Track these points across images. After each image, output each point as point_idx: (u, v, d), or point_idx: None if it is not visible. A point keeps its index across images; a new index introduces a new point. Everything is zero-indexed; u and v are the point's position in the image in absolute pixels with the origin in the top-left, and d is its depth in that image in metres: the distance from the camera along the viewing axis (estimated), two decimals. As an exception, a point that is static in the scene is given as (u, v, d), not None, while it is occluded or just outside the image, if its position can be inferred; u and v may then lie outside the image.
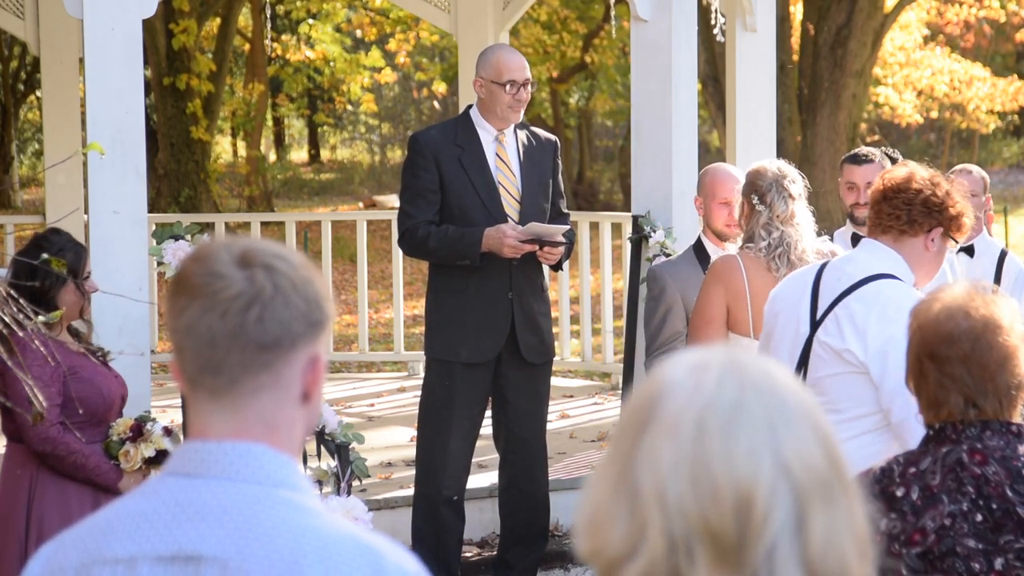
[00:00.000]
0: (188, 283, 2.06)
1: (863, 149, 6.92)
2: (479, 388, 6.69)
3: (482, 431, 6.90)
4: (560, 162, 6.99)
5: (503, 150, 6.75)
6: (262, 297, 2.04)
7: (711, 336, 5.63)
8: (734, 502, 1.63)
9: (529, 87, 6.72)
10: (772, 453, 1.65)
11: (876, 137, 32.14)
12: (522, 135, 6.84)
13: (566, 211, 6.98)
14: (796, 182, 5.73)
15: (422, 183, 6.67)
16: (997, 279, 7.33)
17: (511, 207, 6.68)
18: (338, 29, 27.85)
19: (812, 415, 1.70)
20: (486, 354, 6.64)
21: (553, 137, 7.05)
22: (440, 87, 29.85)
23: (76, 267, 5.46)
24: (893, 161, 7.25)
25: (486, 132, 6.75)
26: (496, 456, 7.00)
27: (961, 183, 7.23)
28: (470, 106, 6.86)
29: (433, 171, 6.66)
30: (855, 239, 6.80)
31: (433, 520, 6.71)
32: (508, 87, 6.64)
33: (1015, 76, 28.87)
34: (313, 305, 2.07)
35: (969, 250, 7.51)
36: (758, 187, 5.74)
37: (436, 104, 35.58)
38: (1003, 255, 7.48)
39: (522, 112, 6.77)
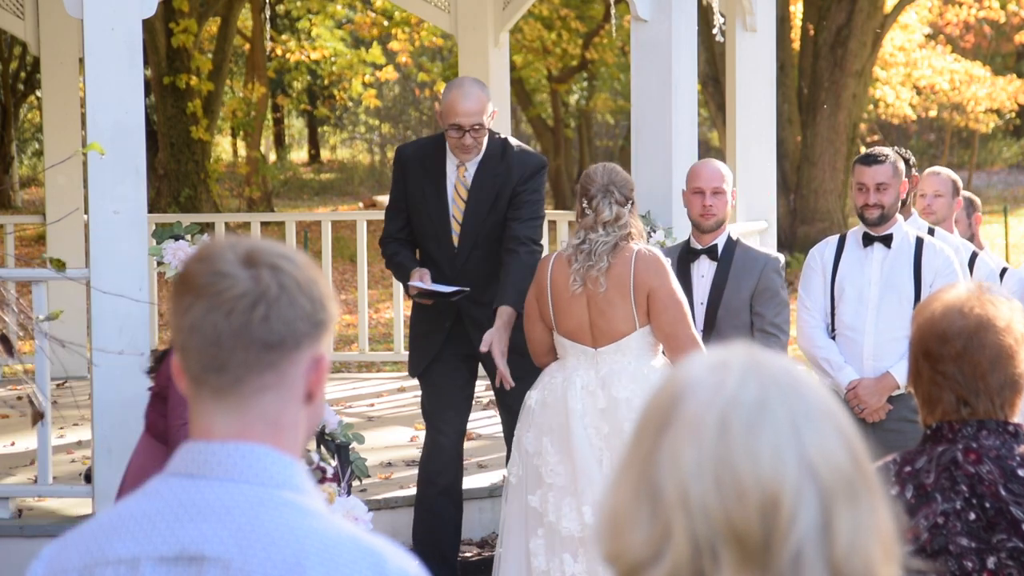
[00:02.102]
0: (193, 282, 2.05)
1: (875, 149, 6.89)
2: (455, 382, 6.80)
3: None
4: (542, 179, 6.82)
5: (460, 183, 6.74)
6: (267, 296, 2.03)
7: (531, 330, 6.12)
8: (759, 502, 1.61)
9: (480, 131, 6.58)
10: (797, 452, 1.63)
11: (876, 137, 32.13)
12: (495, 167, 6.70)
13: (531, 233, 6.68)
14: (623, 186, 5.99)
15: (395, 196, 6.88)
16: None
17: (455, 234, 6.74)
18: (339, 26, 27.85)
19: (834, 413, 1.68)
20: (429, 353, 6.80)
21: (538, 161, 6.83)
22: (442, 87, 29.84)
23: None
24: (906, 162, 7.25)
25: (451, 160, 6.75)
26: (496, 456, 7.02)
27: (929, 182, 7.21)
28: None
29: (402, 187, 6.81)
30: (867, 239, 6.77)
31: (430, 512, 6.77)
32: (451, 130, 6.61)
33: (1014, 75, 28.87)
34: (318, 305, 2.07)
35: None
36: (587, 191, 6.03)
37: (437, 105, 35.56)
38: (974, 256, 7.51)
39: (472, 155, 6.66)
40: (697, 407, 1.65)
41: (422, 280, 6.56)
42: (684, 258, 6.64)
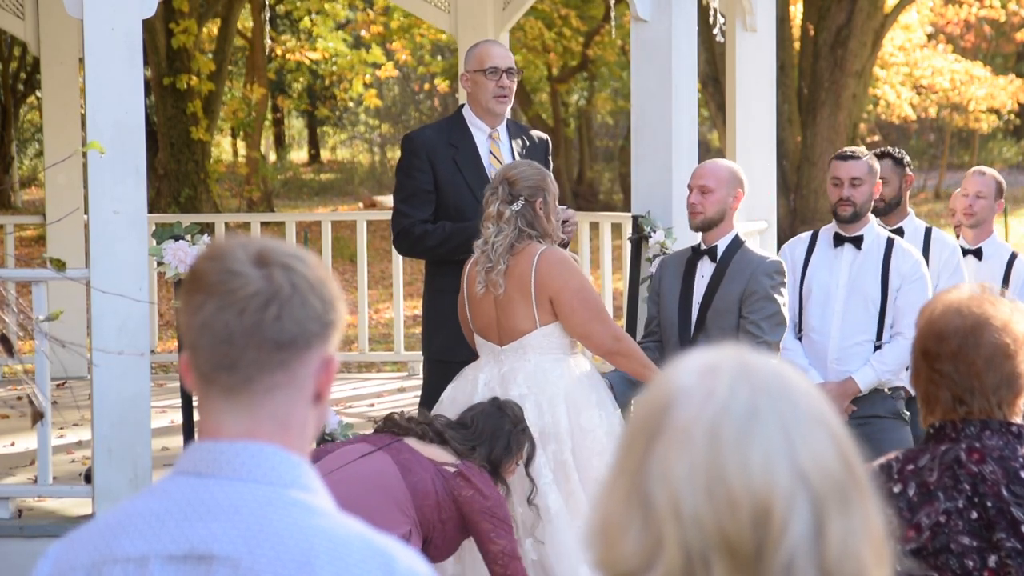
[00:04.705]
0: (204, 281, 2.05)
1: (851, 148, 6.91)
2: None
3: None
4: (552, 160, 7.02)
5: (497, 148, 6.81)
6: (280, 296, 2.04)
7: (464, 330, 6.18)
8: (751, 512, 1.60)
9: (513, 75, 6.78)
10: (788, 460, 1.62)
11: (876, 137, 32.13)
12: (516, 134, 6.89)
13: None
14: (519, 183, 5.92)
15: (417, 183, 6.70)
16: (1005, 282, 7.33)
17: None
18: (340, 27, 27.85)
19: (824, 416, 1.67)
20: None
21: (545, 136, 7.12)
22: (443, 83, 29.85)
23: (531, 456, 5.70)
24: (899, 161, 7.23)
25: (479, 131, 6.81)
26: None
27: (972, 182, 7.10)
28: (463, 105, 6.91)
29: (428, 171, 6.70)
30: (837, 239, 6.76)
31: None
32: (489, 73, 6.70)
33: (1014, 76, 28.87)
34: (328, 306, 2.08)
35: (977, 253, 7.52)
36: (487, 189, 6.05)
37: (437, 102, 35.58)
38: (1012, 257, 7.49)
39: (508, 105, 6.80)
40: (687, 416, 1.64)
41: None
42: (691, 258, 6.65)
